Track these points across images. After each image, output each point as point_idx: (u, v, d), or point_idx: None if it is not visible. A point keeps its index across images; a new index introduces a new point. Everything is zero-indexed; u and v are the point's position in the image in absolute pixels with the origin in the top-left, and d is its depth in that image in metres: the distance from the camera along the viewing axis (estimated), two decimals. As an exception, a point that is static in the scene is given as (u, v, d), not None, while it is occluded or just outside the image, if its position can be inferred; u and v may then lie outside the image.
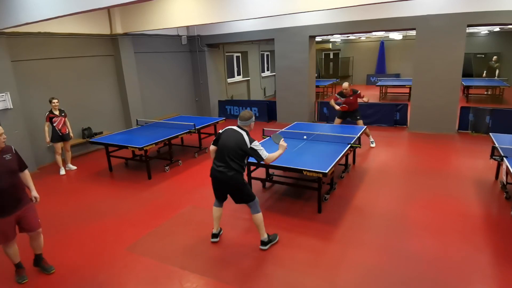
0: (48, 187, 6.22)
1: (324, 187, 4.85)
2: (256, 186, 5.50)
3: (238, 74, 14.42)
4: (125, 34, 8.66)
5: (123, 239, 4.22)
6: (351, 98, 7.37)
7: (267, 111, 10.98)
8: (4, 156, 3.19)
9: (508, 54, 15.86)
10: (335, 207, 4.81)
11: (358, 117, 7.52)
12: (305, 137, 5.34)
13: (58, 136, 6.59)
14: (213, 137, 8.18)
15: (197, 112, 11.93)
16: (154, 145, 6.18)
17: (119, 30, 8.52)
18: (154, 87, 10.16)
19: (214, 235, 4.06)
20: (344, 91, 7.34)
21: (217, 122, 7.95)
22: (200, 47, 11.19)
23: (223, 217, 4.67)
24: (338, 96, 7.54)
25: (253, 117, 3.76)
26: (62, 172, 6.87)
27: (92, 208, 5.18)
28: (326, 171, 4.24)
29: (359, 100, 7.45)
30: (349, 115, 7.59)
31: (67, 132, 6.70)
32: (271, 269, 3.56)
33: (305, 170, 4.35)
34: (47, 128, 6.50)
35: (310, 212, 4.67)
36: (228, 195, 3.89)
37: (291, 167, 4.53)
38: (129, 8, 8.19)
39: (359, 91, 7.42)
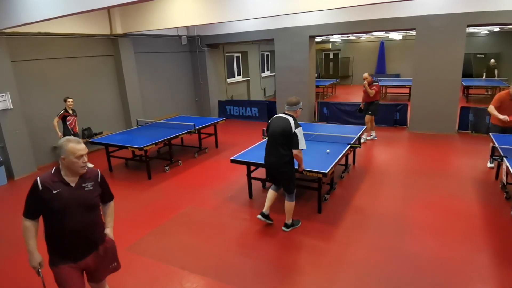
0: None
1: (324, 187, 4.84)
2: (256, 186, 5.50)
3: (238, 74, 14.42)
4: (125, 34, 8.66)
5: (123, 239, 4.21)
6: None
7: (267, 111, 10.99)
8: (83, 185, 2.31)
9: (508, 54, 15.86)
10: (335, 207, 4.81)
11: (369, 112, 7.74)
12: (328, 151, 5.14)
13: (71, 135, 6.59)
14: (213, 137, 8.27)
15: (197, 112, 11.93)
16: (154, 145, 6.17)
17: (119, 30, 8.52)
18: (154, 87, 10.16)
19: (262, 214, 4.28)
20: (364, 80, 7.67)
21: (217, 122, 7.95)
22: (200, 47, 11.19)
23: (223, 217, 4.68)
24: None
25: (301, 103, 3.95)
26: None
27: (92, 208, 5.17)
28: (326, 171, 4.24)
29: (365, 84, 7.68)
30: (367, 107, 7.84)
31: (77, 132, 6.87)
32: (271, 269, 3.56)
33: (305, 170, 4.34)
34: (56, 124, 6.53)
35: (310, 212, 4.67)
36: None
37: (291, 167, 4.53)
38: (129, 8, 8.19)
39: (377, 84, 7.72)
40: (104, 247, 2.53)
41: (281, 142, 3.83)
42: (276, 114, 11.16)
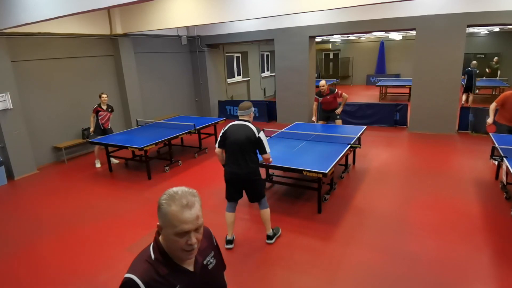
0: (48, 188, 6.22)
1: (324, 187, 4.84)
2: (256, 186, 5.49)
3: (238, 75, 14.42)
4: (125, 34, 8.66)
5: (123, 240, 4.22)
6: (328, 97, 7.05)
7: (267, 111, 10.98)
8: (205, 262, 1.41)
9: (508, 54, 15.86)
10: (335, 207, 4.81)
11: (338, 117, 7.26)
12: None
13: (100, 130, 6.92)
14: (213, 137, 8.24)
15: (197, 112, 11.93)
16: (154, 145, 6.18)
17: (119, 30, 8.52)
18: (154, 87, 10.16)
19: (229, 241, 3.94)
20: (321, 88, 6.96)
21: (217, 122, 7.95)
22: (200, 48, 11.19)
23: (223, 217, 4.66)
24: (316, 96, 7.19)
25: (252, 107, 3.82)
26: (98, 165, 7.10)
27: (92, 208, 5.18)
28: (326, 171, 4.24)
29: (338, 100, 7.15)
30: (330, 115, 7.33)
31: (109, 127, 7.07)
32: (271, 269, 3.55)
33: (305, 170, 4.35)
34: (92, 119, 6.87)
35: (310, 212, 4.67)
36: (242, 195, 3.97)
37: (291, 167, 4.53)
38: (129, 8, 8.19)
39: (336, 90, 7.08)
40: None
41: (248, 150, 3.65)
42: (275, 114, 11.20)
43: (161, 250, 1.30)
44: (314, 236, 4.10)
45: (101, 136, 6.89)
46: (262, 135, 3.67)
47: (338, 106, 7.25)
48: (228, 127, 3.77)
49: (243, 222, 4.59)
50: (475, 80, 10.88)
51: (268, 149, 3.71)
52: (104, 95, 6.82)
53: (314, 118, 7.49)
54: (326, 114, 7.38)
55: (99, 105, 6.85)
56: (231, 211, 3.93)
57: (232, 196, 3.90)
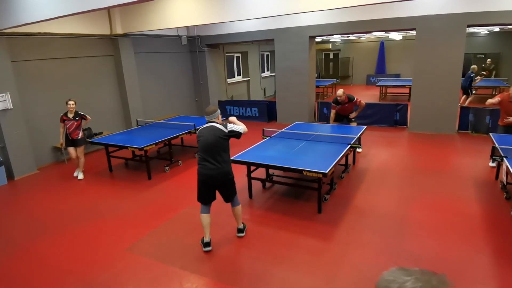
0: (48, 188, 6.22)
1: (324, 187, 4.84)
2: (256, 186, 5.50)
3: (238, 74, 14.42)
4: (125, 34, 8.66)
5: (123, 240, 4.22)
6: (347, 105, 7.10)
7: (267, 111, 10.98)
8: None
9: (508, 54, 15.85)
10: (335, 207, 4.81)
11: (353, 120, 7.31)
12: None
13: (68, 141, 6.26)
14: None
15: (197, 113, 11.92)
16: (154, 145, 6.18)
17: (119, 30, 8.52)
18: (154, 87, 10.16)
19: (208, 244, 3.88)
20: (339, 98, 6.99)
21: (217, 122, 7.93)
22: (200, 48, 11.19)
23: (223, 217, 4.68)
24: (333, 104, 7.21)
25: (218, 109, 3.95)
26: (75, 174, 6.56)
27: (92, 208, 5.18)
28: (326, 171, 4.24)
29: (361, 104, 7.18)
30: (344, 117, 7.40)
31: (78, 137, 6.27)
32: (271, 269, 3.55)
33: (305, 170, 4.35)
34: (61, 130, 6.24)
35: (310, 212, 4.67)
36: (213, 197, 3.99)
37: (291, 167, 4.53)
38: (129, 8, 8.19)
39: (355, 99, 7.08)
40: None
41: (219, 149, 3.72)
42: (275, 114, 11.18)
43: None
44: (314, 236, 4.10)
45: (70, 148, 6.29)
46: (230, 126, 3.81)
47: (353, 111, 7.32)
48: (198, 132, 3.89)
49: (244, 222, 4.58)
50: (471, 83, 11.00)
51: (242, 129, 3.86)
52: (70, 102, 6.06)
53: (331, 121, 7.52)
54: (341, 116, 7.43)
55: (65, 114, 6.12)
56: (206, 212, 3.92)
57: (205, 199, 3.91)
